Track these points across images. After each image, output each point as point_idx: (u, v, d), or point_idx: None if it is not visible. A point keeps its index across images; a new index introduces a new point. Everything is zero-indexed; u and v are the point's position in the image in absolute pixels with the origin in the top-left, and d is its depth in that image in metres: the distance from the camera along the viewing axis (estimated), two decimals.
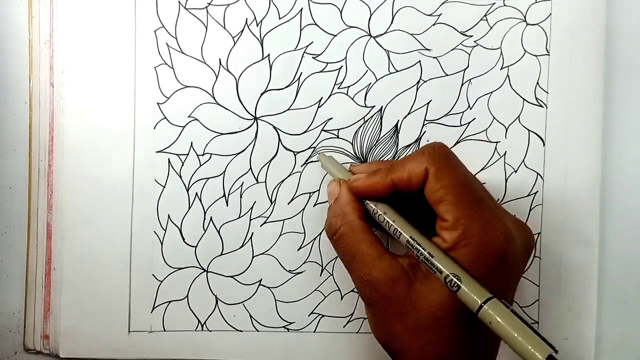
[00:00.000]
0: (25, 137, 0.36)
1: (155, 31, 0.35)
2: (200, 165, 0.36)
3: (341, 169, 0.34)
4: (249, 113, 0.36)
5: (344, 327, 0.37)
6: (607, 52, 0.36)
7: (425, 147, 0.30)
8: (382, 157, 0.36)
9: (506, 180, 0.36)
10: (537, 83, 0.36)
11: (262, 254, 0.36)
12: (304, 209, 0.36)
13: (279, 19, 0.35)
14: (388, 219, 0.30)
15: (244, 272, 0.36)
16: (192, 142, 0.35)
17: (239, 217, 0.36)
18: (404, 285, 0.29)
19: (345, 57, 0.36)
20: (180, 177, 0.36)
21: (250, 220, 0.36)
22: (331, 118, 0.36)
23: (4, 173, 0.37)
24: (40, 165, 0.36)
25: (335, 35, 0.35)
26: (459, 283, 0.27)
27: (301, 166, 0.36)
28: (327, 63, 0.36)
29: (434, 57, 0.36)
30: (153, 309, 0.36)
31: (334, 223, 0.31)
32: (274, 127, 0.36)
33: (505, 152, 0.36)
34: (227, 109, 0.35)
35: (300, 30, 0.35)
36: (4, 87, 0.36)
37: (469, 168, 0.36)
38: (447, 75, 0.36)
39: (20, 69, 0.36)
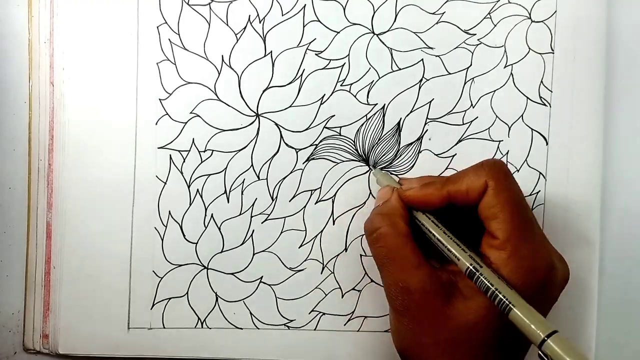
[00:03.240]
0: (25, 137, 0.36)
1: (157, 27, 0.35)
2: (202, 162, 0.35)
3: (395, 181, 0.34)
4: (251, 110, 0.35)
5: (344, 325, 0.37)
6: (612, 52, 0.36)
7: (485, 161, 0.30)
8: (384, 155, 0.36)
9: None
10: (541, 82, 0.36)
11: (263, 251, 0.36)
12: (305, 207, 0.36)
13: (282, 15, 0.35)
14: (437, 232, 0.30)
15: (244, 269, 0.36)
16: (193, 139, 0.35)
17: (240, 214, 0.36)
18: (440, 299, 0.28)
19: (348, 55, 0.35)
20: (182, 173, 0.35)
21: (252, 217, 0.36)
22: (333, 115, 0.36)
23: (3, 173, 0.36)
24: (40, 165, 0.36)
25: (338, 32, 0.35)
26: (512, 307, 0.26)
27: (303, 163, 0.36)
28: (330, 60, 0.35)
29: (436, 56, 0.36)
30: (153, 305, 0.36)
31: (376, 221, 0.31)
32: (276, 124, 0.36)
33: (508, 151, 0.36)
34: (229, 106, 0.35)
35: (303, 27, 0.35)
36: (3, 86, 0.36)
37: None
38: (449, 73, 0.36)
39: (20, 68, 0.36)
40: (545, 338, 0.25)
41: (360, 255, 0.36)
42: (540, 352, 0.26)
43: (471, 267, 0.28)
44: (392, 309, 0.30)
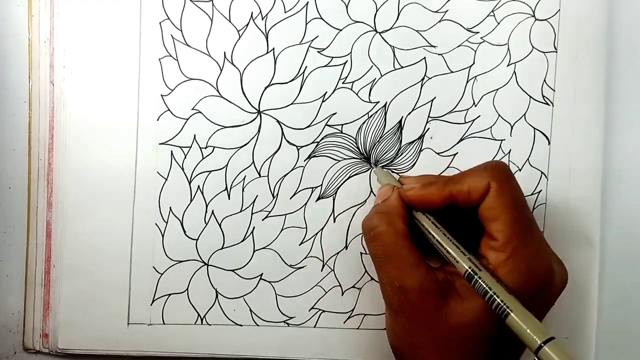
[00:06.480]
0: (25, 137, 0.36)
1: (160, 23, 0.35)
2: (203, 158, 0.35)
3: (395, 180, 0.34)
4: (252, 106, 0.35)
5: (344, 322, 0.37)
6: (614, 50, 0.36)
7: (488, 163, 0.30)
8: (385, 153, 0.36)
9: None
10: (544, 80, 0.36)
11: (263, 248, 0.36)
12: (306, 204, 0.36)
13: (285, 12, 0.35)
14: (436, 234, 0.30)
15: (244, 266, 0.36)
16: (195, 135, 0.35)
17: (240, 211, 0.36)
18: (436, 299, 0.28)
19: (351, 52, 0.35)
20: (183, 169, 0.35)
21: (252, 214, 0.36)
22: (335, 113, 0.36)
23: (3, 173, 0.36)
24: (40, 164, 0.36)
25: (340, 30, 0.35)
26: (509, 312, 0.26)
27: (304, 161, 0.36)
28: (332, 57, 0.35)
29: (439, 54, 0.36)
30: (153, 301, 0.36)
31: (374, 220, 0.31)
32: (278, 121, 0.36)
33: (510, 150, 0.36)
34: (230, 102, 0.35)
35: (306, 24, 0.35)
36: (3, 86, 0.36)
37: (472, 166, 0.36)
38: (452, 72, 0.36)
39: (20, 68, 0.36)
40: (542, 344, 0.25)
41: (361, 253, 0.36)
42: (536, 358, 0.26)
43: (470, 270, 0.28)
44: (388, 307, 0.30)
